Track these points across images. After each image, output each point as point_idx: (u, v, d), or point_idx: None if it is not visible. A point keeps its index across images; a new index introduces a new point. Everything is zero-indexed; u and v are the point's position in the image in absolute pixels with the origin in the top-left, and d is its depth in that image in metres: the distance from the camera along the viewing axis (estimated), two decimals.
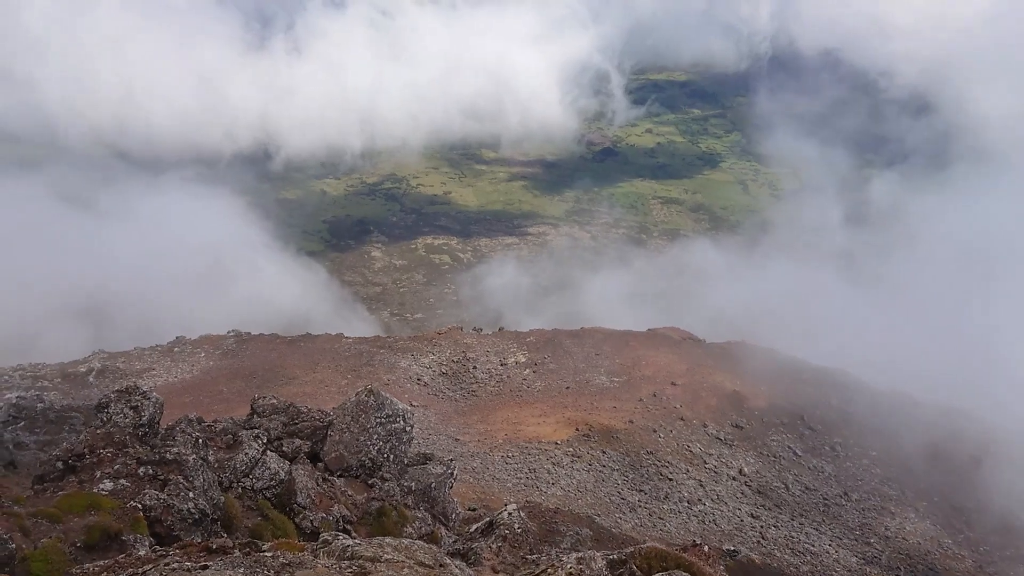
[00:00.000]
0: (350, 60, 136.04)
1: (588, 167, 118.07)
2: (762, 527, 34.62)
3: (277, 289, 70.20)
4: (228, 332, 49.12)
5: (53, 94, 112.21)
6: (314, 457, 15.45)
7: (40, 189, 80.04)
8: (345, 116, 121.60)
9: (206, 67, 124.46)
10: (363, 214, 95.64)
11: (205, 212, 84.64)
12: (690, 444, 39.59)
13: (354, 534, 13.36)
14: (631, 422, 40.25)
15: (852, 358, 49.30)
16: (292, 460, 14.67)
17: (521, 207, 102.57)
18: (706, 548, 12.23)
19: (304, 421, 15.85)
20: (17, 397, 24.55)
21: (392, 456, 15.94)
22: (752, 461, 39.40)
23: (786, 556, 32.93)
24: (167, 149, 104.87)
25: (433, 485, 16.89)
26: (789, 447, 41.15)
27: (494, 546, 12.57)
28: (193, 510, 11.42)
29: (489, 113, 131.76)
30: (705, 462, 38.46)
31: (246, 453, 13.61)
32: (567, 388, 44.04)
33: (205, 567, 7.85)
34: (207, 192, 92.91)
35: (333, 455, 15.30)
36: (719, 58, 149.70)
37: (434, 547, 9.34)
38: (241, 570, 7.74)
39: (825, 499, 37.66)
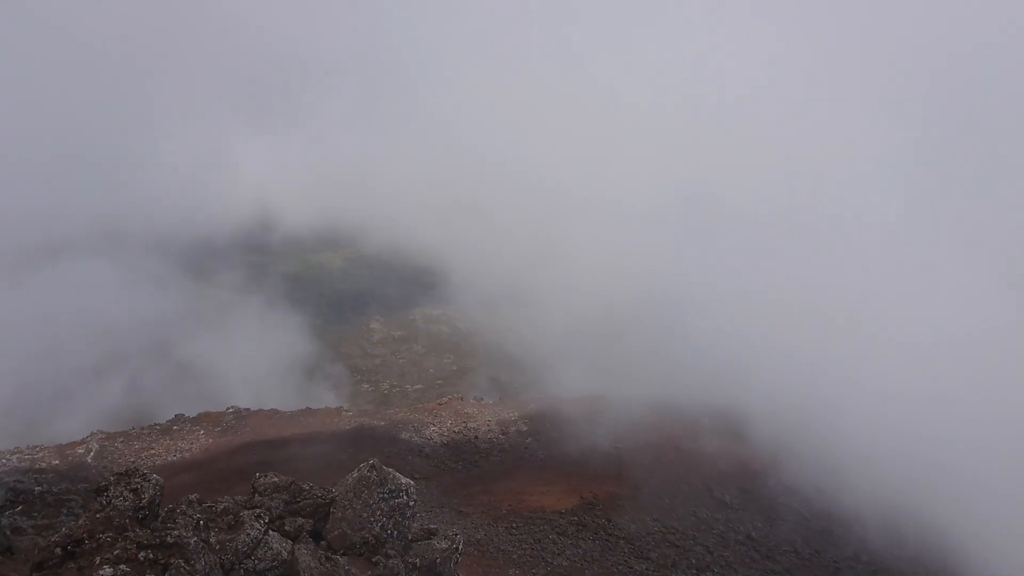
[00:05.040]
0: (345, 132, 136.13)
1: None
2: None
3: (277, 364, 69.96)
4: (227, 408, 48.89)
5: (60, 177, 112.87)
6: (317, 535, 15.23)
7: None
8: (340, 189, 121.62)
9: (205, 142, 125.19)
10: (361, 286, 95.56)
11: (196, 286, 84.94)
12: (696, 510, 39.11)
13: None
14: (636, 488, 39.84)
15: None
16: (294, 539, 14.46)
17: None
18: None
19: (306, 499, 15.65)
20: (15, 481, 24.31)
21: (396, 532, 15.71)
22: (760, 525, 38.88)
23: None
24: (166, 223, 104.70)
25: (439, 560, 16.60)
26: (796, 509, 40.64)
27: None
28: None
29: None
30: (712, 527, 37.94)
31: (248, 534, 13.42)
32: (570, 456, 43.68)
33: None
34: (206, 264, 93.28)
35: (336, 533, 15.07)
36: None
37: None
38: None
39: (836, 561, 37.11)
